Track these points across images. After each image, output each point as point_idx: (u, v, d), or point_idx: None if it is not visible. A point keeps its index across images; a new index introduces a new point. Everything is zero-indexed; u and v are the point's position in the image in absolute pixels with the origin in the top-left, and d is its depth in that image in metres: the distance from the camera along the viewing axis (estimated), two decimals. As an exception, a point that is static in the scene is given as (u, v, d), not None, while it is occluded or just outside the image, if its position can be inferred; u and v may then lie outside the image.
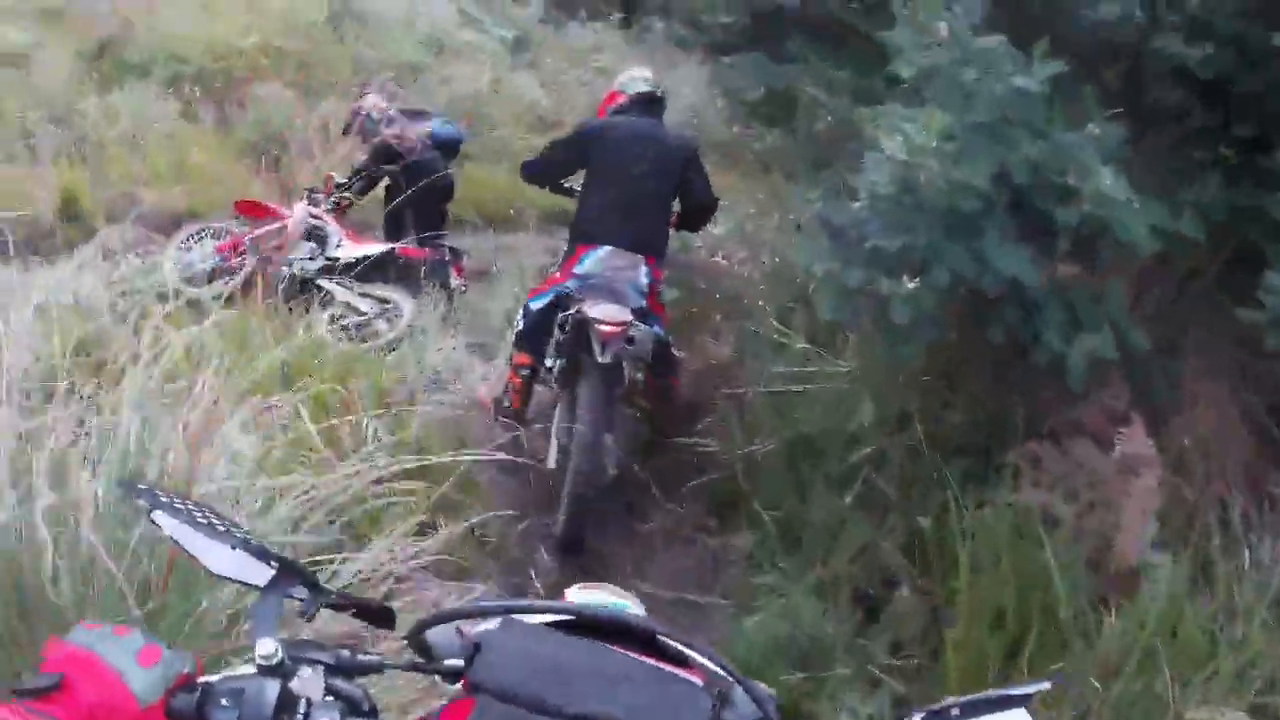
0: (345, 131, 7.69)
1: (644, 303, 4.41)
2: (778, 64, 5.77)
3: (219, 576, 1.22)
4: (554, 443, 4.33)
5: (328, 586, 1.26)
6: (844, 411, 4.09)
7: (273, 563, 1.16)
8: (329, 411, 4.08)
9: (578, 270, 4.51)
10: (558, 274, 4.72)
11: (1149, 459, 3.09)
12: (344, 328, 6.24)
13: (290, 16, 10.41)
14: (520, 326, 4.67)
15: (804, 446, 4.11)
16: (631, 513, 4.50)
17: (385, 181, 7.27)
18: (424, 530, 3.89)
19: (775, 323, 4.90)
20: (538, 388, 4.76)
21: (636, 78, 5.02)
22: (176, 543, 1.22)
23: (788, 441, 4.16)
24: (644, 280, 4.51)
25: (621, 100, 4.95)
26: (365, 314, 6.34)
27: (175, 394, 3.07)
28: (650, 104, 4.92)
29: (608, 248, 4.50)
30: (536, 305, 4.60)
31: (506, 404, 4.68)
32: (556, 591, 3.93)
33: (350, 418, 4.08)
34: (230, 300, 6.08)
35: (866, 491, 3.82)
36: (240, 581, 1.19)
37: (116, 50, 9.29)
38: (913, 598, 3.43)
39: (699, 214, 5.10)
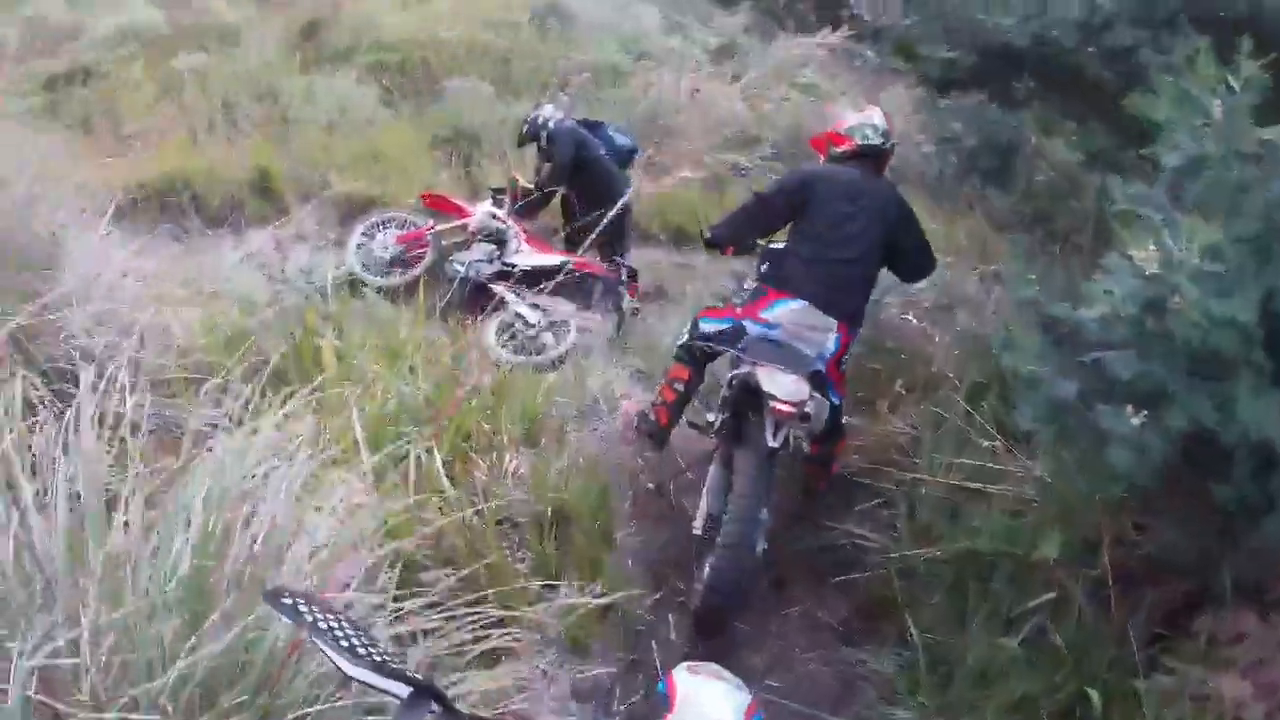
0: (520, 143, 7.59)
1: (822, 368, 4.05)
2: (1002, 109, 5.29)
3: (357, 681, 1.26)
4: (704, 507, 4.02)
5: (460, 709, 1.33)
6: (1026, 533, 3.61)
7: (409, 683, 1.24)
8: (473, 441, 3.93)
9: (764, 314, 4.18)
10: (740, 308, 4.38)
11: None
12: (510, 337, 6.14)
13: (495, 12, 10.43)
14: (685, 339, 4.39)
15: (974, 565, 3.65)
16: (769, 599, 4.12)
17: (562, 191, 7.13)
18: (551, 585, 3.69)
19: (964, 403, 4.44)
20: (692, 431, 4.53)
21: (866, 126, 4.55)
22: (316, 645, 1.27)
23: (956, 554, 3.69)
24: (831, 347, 4.15)
25: (845, 147, 4.52)
26: (533, 325, 6.22)
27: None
28: (876, 158, 4.54)
29: (803, 303, 4.16)
30: (708, 328, 4.29)
31: (652, 419, 4.42)
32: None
33: (493, 453, 3.93)
34: (403, 293, 6.14)
35: (1036, 636, 3.34)
36: (379, 689, 1.26)
37: (322, 33, 9.53)
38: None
39: (913, 277, 4.78)
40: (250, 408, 3.48)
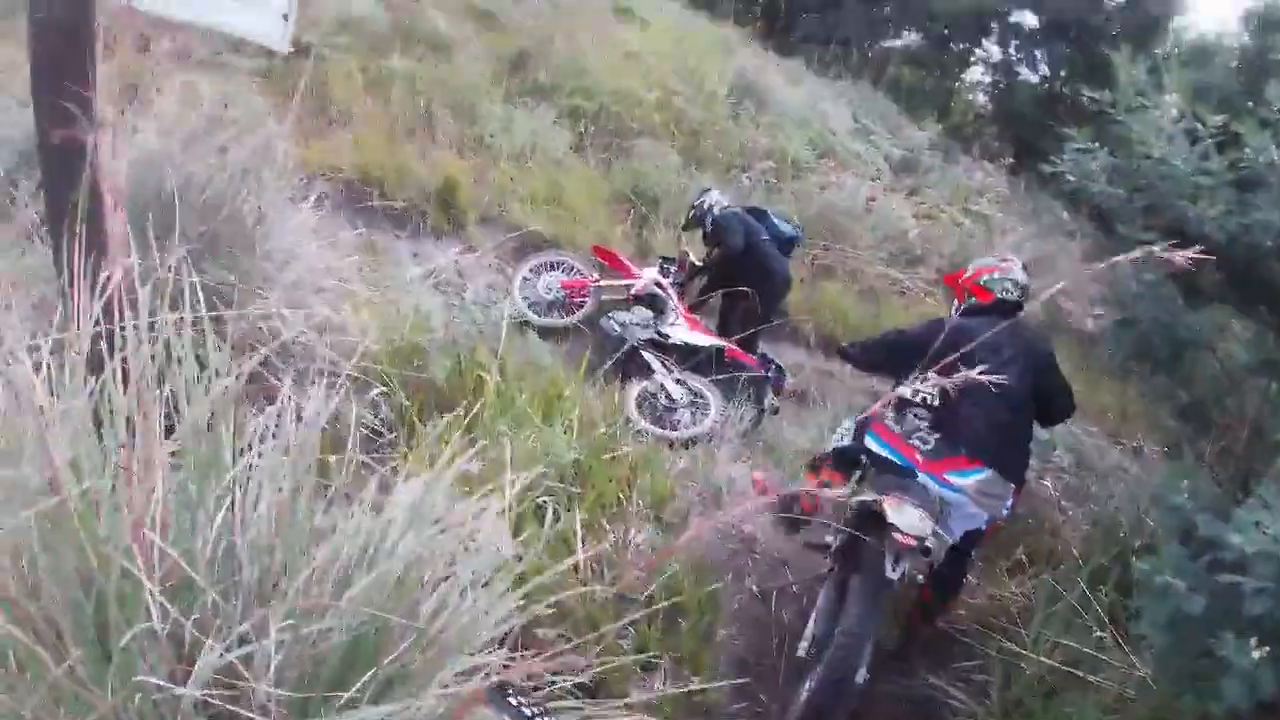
0: (685, 227, 7.78)
1: (984, 528, 4.13)
2: (1186, 300, 5.23)
3: None
4: (810, 629, 4.05)
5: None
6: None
7: None
8: (604, 508, 4.05)
9: (951, 478, 4.05)
10: (921, 455, 4.14)
11: None
12: (651, 407, 6.28)
13: (695, 81, 10.70)
14: (847, 444, 4.34)
15: (1063, 751, 3.62)
16: (856, 733, 4.12)
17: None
18: (649, 666, 3.78)
19: (1083, 583, 4.39)
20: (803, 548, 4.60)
21: (1008, 280, 4.50)
22: None
23: (1046, 738, 3.66)
24: (1004, 512, 4.17)
25: (985, 300, 4.48)
26: (675, 401, 6.33)
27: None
28: (1015, 309, 4.48)
29: (991, 473, 4.06)
30: (878, 450, 4.19)
31: (796, 508, 4.38)
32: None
33: (622, 525, 4.05)
34: (556, 336, 6.34)
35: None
36: None
37: (529, 66, 9.91)
38: None
39: (1054, 421, 4.78)
40: (405, 421, 3.70)
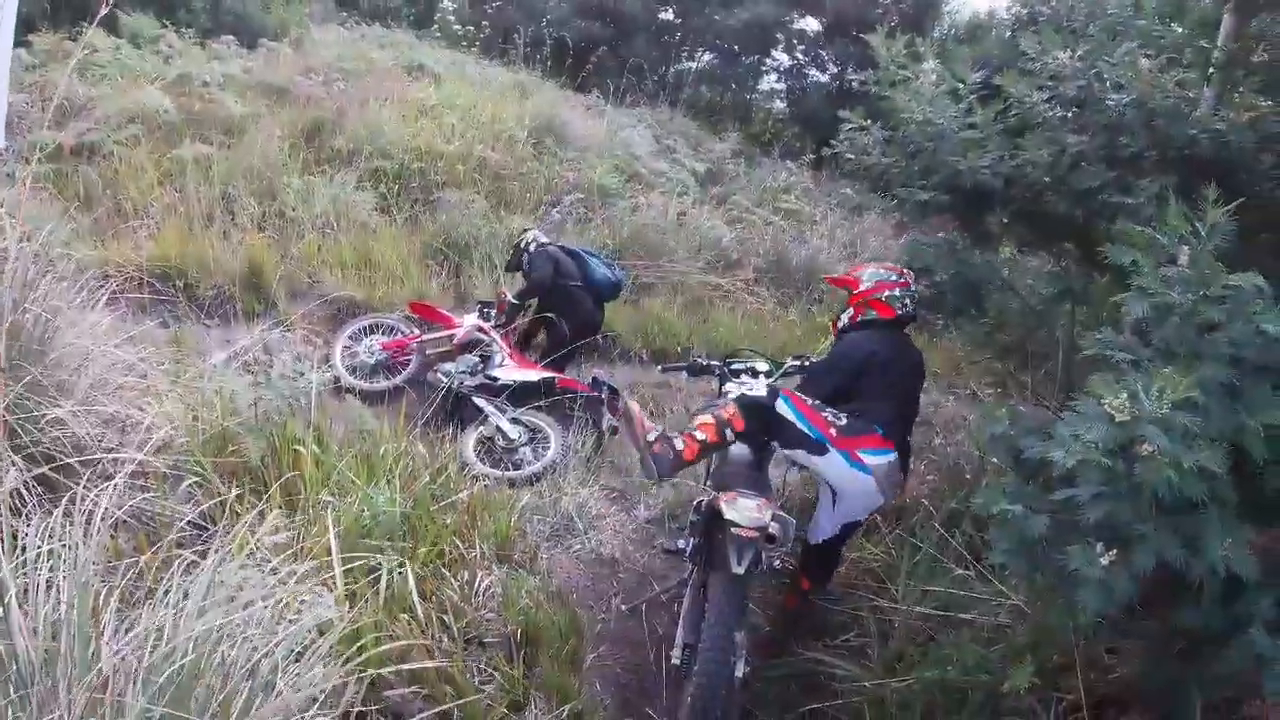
0: (508, 268, 7.76)
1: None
2: (975, 244, 5.46)
3: None
4: (680, 636, 3.98)
5: None
6: (999, 662, 3.60)
7: None
8: (446, 557, 3.91)
9: (863, 455, 4.08)
10: (835, 430, 4.11)
11: None
12: (489, 451, 6.15)
13: (494, 127, 10.69)
14: (759, 400, 4.20)
15: (945, 694, 3.63)
16: (742, 727, 4.07)
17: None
18: (517, 707, 3.64)
19: (940, 528, 4.47)
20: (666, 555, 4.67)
21: (907, 295, 4.54)
22: None
23: (928, 683, 3.67)
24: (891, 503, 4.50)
25: (885, 315, 4.50)
26: (513, 440, 6.21)
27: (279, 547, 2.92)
28: (910, 320, 4.63)
29: (894, 457, 4.16)
30: (789, 416, 4.13)
31: (679, 447, 4.12)
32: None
33: (465, 571, 3.91)
34: (386, 400, 6.16)
35: (1010, 767, 3.32)
36: None
37: (325, 136, 9.72)
38: None
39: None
40: (226, 510, 3.49)
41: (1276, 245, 4.00)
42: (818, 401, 4.19)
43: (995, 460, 4.67)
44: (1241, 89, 4.31)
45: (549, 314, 7.15)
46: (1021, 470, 3.20)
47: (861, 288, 4.55)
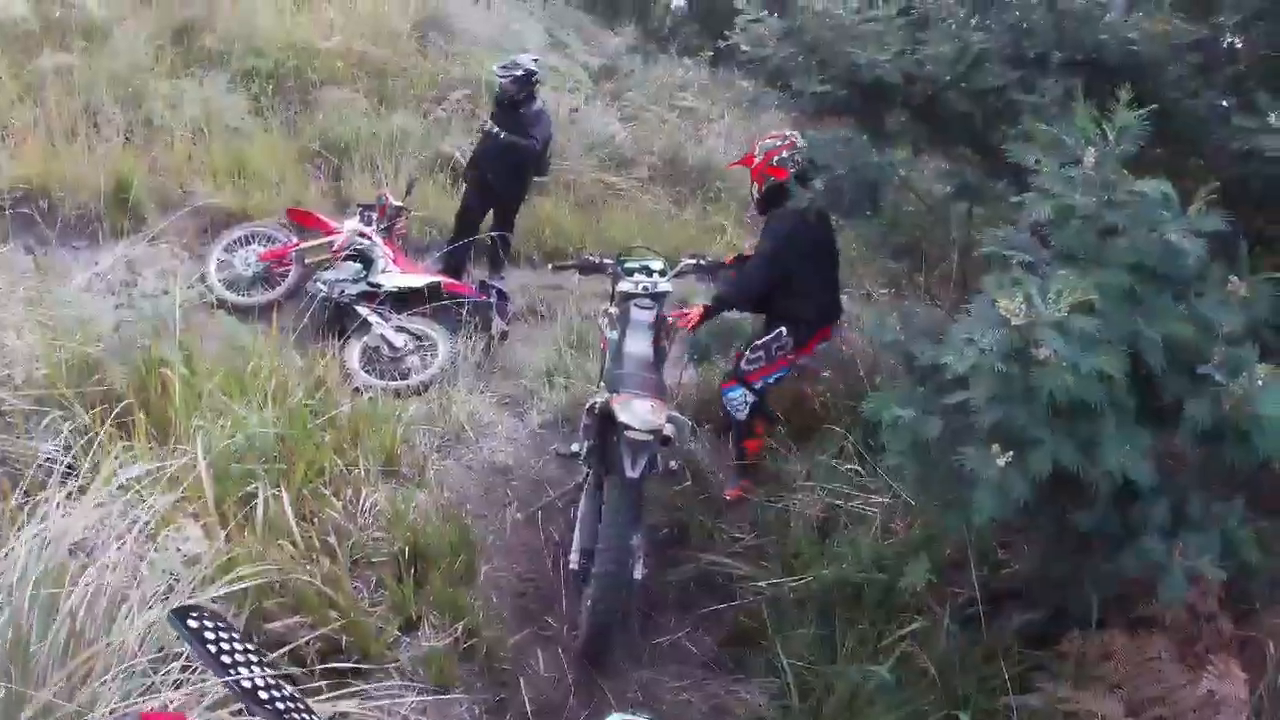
0: (504, 99, 7.10)
1: None
2: (871, 141, 5.35)
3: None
4: (577, 540, 3.93)
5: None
6: (894, 556, 3.61)
7: None
8: (328, 479, 3.74)
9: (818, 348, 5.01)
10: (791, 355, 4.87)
11: (1238, 702, 2.59)
12: (374, 362, 5.93)
13: (376, 22, 10.13)
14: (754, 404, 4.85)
15: (843, 591, 3.64)
16: (642, 630, 4.04)
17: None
18: (411, 626, 3.54)
19: (840, 429, 4.45)
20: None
21: (796, 153, 4.88)
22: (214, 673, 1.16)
23: (826, 582, 3.67)
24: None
25: (780, 177, 4.83)
26: (399, 349, 5.98)
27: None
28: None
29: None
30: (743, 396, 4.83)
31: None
32: (549, 712, 3.57)
33: (349, 490, 3.75)
34: (266, 314, 5.87)
35: (906, 660, 3.33)
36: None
37: (195, 36, 9.04)
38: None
39: None
40: (95, 443, 3.26)
41: (1176, 157, 3.98)
42: (747, 360, 4.81)
43: (890, 361, 4.69)
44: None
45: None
46: (914, 373, 3.15)
47: (756, 161, 4.95)
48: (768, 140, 5.01)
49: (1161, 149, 3.93)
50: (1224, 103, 3.47)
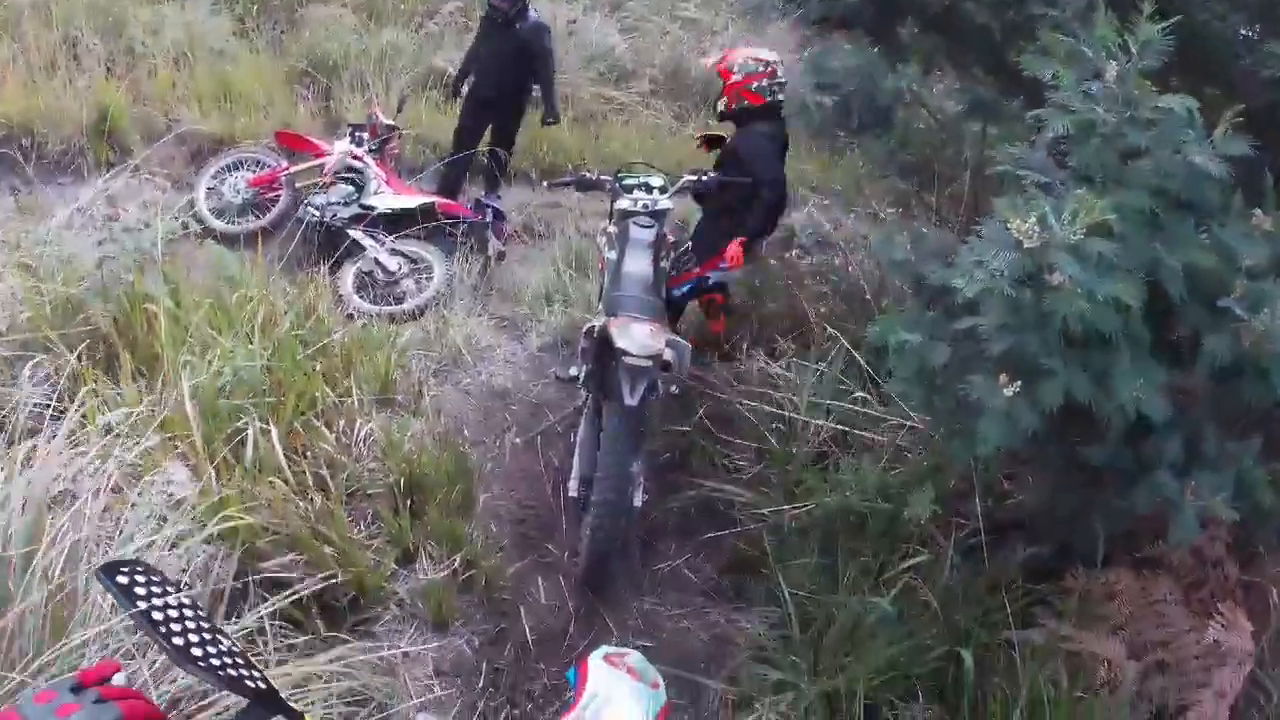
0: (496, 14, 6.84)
1: None
2: (882, 55, 5.15)
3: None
4: (576, 467, 3.87)
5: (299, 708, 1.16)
6: (899, 485, 3.54)
7: (250, 694, 1.09)
8: (320, 411, 3.66)
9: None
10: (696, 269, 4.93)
11: (1243, 654, 2.54)
12: (368, 286, 5.83)
13: (364, -68, 9.77)
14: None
15: (846, 520, 3.57)
16: (643, 558, 3.99)
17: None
18: (409, 559, 3.50)
19: (847, 345, 4.34)
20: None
21: (775, 83, 4.99)
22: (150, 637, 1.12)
23: (829, 510, 3.61)
24: None
25: (755, 103, 4.97)
26: (393, 273, 5.87)
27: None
28: (780, 106, 4.99)
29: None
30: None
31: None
32: (549, 641, 3.55)
33: (342, 420, 3.68)
34: (257, 241, 5.74)
35: (908, 592, 3.29)
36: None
37: (174, -45, 8.73)
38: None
39: None
40: (80, 384, 3.18)
41: (1199, 81, 3.80)
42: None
43: (897, 283, 4.58)
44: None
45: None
46: (922, 296, 3.04)
47: (733, 79, 4.98)
48: (750, 61, 5.02)
49: (1184, 74, 3.77)
50: (1253, 30, 3.31)
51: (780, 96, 4.95)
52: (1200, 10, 3.52)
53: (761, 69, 4.96)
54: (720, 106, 5.10)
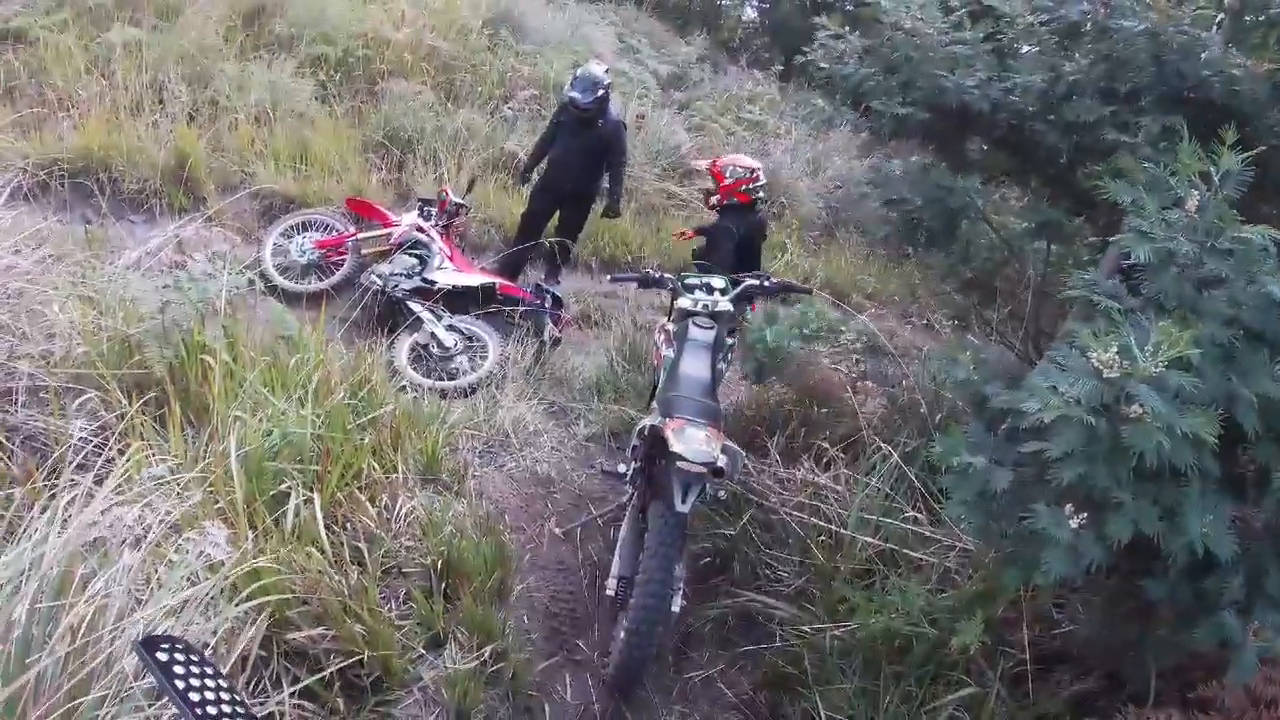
0: (578, 110, 6.88)
1: None
2: (950, 170, 5.15)
3: None
4: (616, 567, 3.78)
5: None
6: (945, 609, 3.42)
7: None
8: (364, 483, 3.62)
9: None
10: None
11: None
12: (422, 360, 5.83)
13: (448, 17, 10.06)
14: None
15: (890, 643, 3.44)
16: (675, 664, 3.87)
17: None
18: (437, 644, 3.41)
19: (901, 463, 4.25)
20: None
21: (761, 186, 6.05)
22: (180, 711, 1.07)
23: (872, 632, 3.48)
24: None
25: (744, 202, 5.98)
26: (449, 349, 5.88)
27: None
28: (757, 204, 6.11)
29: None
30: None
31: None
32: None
33: (384, 495, 3.63)
34: (317, 302, 5.78)
35: (951, 723, 3.14)
36: None
37: (266, 19, 9.02)
38: None
39: None
40: (127, 428, 3.17)
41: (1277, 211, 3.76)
42: None
43: (951, 396, 4.49)
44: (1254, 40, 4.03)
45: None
46: (983, 417, 2.96)
47: (726, 182, 5.94)
48: (739, 169, 5.96)
49: (1261, 202, 3.71)
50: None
51: (760, 195, 6.03)
52: (1270, 136, 3.49)
53: (747, 174, 5.94)
54: (714, 199, 5.99)
